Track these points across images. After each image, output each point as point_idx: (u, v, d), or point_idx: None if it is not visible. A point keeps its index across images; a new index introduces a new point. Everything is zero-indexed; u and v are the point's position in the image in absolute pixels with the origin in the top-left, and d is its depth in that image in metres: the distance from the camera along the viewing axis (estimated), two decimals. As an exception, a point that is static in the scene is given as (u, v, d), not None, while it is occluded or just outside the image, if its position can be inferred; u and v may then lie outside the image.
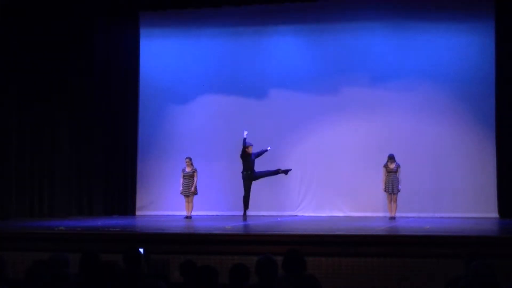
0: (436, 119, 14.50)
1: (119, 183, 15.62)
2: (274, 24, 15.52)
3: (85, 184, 15.27)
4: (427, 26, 14.64)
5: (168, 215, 14.86)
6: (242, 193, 12.92)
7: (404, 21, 14.81)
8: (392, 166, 13.35)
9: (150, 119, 15.86)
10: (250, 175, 12.80)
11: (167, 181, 15.43)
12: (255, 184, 12.99)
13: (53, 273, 5.23)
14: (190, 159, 14.04)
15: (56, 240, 9.71)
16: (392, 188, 13.29)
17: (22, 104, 14.19)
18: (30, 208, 14.27)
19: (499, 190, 13.88)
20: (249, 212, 13.03)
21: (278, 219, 13.62)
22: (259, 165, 13.10)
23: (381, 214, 14.16)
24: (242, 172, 12.88)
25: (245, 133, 12.90)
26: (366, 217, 13.75)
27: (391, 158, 13.39)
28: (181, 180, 13.99)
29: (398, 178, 13.31)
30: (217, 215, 14.52)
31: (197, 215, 14.09)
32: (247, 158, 12.83)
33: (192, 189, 13.89)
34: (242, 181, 12.92)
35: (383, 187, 13.42)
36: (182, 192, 13.97)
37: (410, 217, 13.60)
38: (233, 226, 11.32)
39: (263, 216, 14.21)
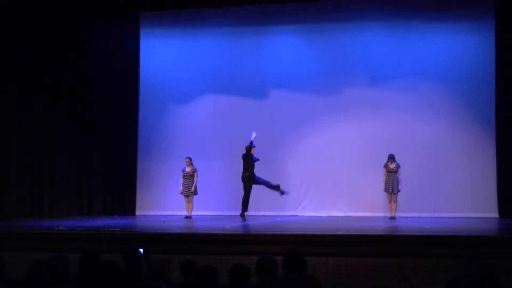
0: (436, 119, 14.51)
1: (119, 183, 15.62)
2: (274, 24, 15.52)
3: (85, 184, 15.28)
4: (427, 26, 14.64)
5: (168, 215, 14.86)
6: (242, 193, 12.92)
7: (404, 21, 14.81)
8: (392, 166, 13.35)
9: (150, 119, 15.87)
10: (250, 177, 12.78)
11: (167, 181, 15.43)
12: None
13: (53, 273, 5.23)
14: (190, 159, 14.05)
15: (56, 240, 9.72)
16: (392, 188, 13.29)
17: (22, 104, 14.18)
18: (30, 208, 14.26)
19: (499, 190, 13.88)
20: (249, 212, 13.03)
21: (278, 219, 13.62)
22: (260, 165, 13.09)
23: (381, 214, 14.16)
24: (243, 173, 12.86)
25: (254, 134, 12.91)
26: (366, 217, 13.75)
27: (391, 158, 13.39)
28: (181, 180, 13.99)
29: (398, 178, 13.31)
30: (217, 215, 14.51)
31: (197, 215, 14.09)
32: (249, 159, 12.83)
33: (192, 189, 13.89)
34: (242, 181, 12.91)
35: (383, 187, 13.42)
36: (182, 192, 13.97)
37: (410, 217, 13.60)
38: (233, 226, 11.32)
39: (263, 216, 14.21)
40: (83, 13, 15.01)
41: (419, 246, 8.61)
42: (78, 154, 15.16)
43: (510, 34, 13.84)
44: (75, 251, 6.74)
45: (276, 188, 13.04)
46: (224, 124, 15.50)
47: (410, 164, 13.90)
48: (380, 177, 13.59)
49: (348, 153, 14.83)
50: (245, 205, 12.87)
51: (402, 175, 13.39)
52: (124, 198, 15.59)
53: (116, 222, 12.57)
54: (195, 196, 13.98)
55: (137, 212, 15.52)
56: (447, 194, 14.31)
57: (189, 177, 13.95)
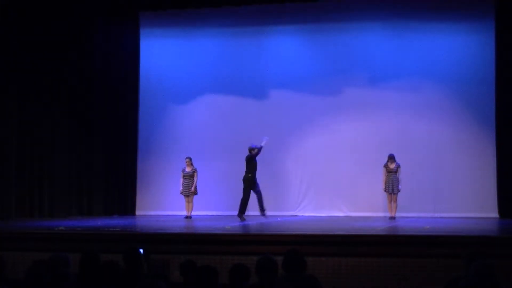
0: (436, 119, 14.51)
1: (119, 183, 15.63)
2: (274, 24, 15.52)
3: (85, 184, 15.28)
4: (427, 26, 14.64)
5: (168, 215, 14.86)
6: (242, 193, 12.93)
7: (404, 21, 14.81)
8: (392, 166, 13.35)
9: (150, 119, 15.87)
10: (252, 179, 12.78)
11: (167, 181, 15.43)
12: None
13: (53, 273, 5.23)
14: (190, 159, 14.05)
15: (56, 240, 9.71)
16: (392, 188, 13.29)
17: (22, 104, 14.18)
18: (30, 208, 14.26)
19: (499, 190, 13.88)
20: (249, 212, 13.03)
21: (278, 219, 13.61)
22: (260, 166, 13.09)
23: (381, 214, 14.16)
24: (248, 175, 12.82)
25: (265, 140, 12.92)
26: (366, 217, 13.75)
27: (391, 158, 13.39)
28: (181, 180, 14.00)
29: (398, 178, 13.31)
30: (217, 215, 14.51)
31: (197, 215, 14.09)
32: (253, 161, 12.85)
33: (192, 189, 13.89)
34: (243, 182, 12.91)
35: (383, 187, 13.42)
36: (182, 192, 13.97)
37: (410, 217, 13.60)
38: (233, 226, 11.32)
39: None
40: (83, 13, 15.01)
41: (419, 246, 8.60)
42: (78, 154, 15.16)
43: (510, 34, 13.84)
44: (75, 251, 6.74)
45: (262, 209, 12.96)
46: (224, 124, 15.51)
47: (410, 164, 13.90)
48: (380, 177, 13.60)
49: (348, 153, 14.83)
50: (243, 207, 12.87)
51: (402, 175, 13.39)
52: (124, 198, 15.59)
53: (116, 222, 12.57)
54: (195, 196, 13.98)
55: (137, 212, 15.52)
56: (447, 194, 14.31)
57: (189, 177, 13.95)
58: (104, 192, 15.43)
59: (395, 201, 13.37)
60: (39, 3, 14.27)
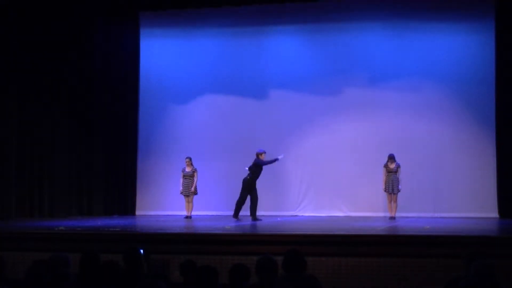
0: (436, 119, 14.50)
1: (119, 183, 15.62)
2: (274, 24, 15.52)
3: (85, 184, 15.28)
4: (427, 26, 14.64)
5: (168, 215, 14.86)
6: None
7: (404, 21, 14.80)
8: (392, 166, 13.35)
9: (150, 119, 15.87)
10: (252, 183, 12.84)
11: (167, 181, 15.43)
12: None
13: (53, 273, 5.23)
14: (190, 159, 14.05)
15: (56, 240, 9.71)
16: (392, 188, 13.30)
17: (22, 104, 14.18)
18: (30, 208, 14.26)
19: (499, 190, 13.88)
20: (249, 212, 13.04)
21: (278, 219, 13.62)
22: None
23: (381, 214, 14.16)
24: (253, 179, 12.85)
25: (282, 157, 13.09)
26: (366, 217, 13.75)
27: (391, 158, 13.40)
28: (181, 180, 14.00)
29: (398, 178, 13.31)
30: (217, 215, 14.51)
31: (197, 215, 14.10)
32: (261, 167, 12.92)
33: (192, 189, 13.90)
34: (242, 182, 12.92)
35: (383, 187, 13.43)
36: (182, 192, 13.98)
37: (410, 217, 13.60)
38: (233, 226, 11.32)
39: (263, 216, 14.19)
40: (83, 13, 15.01)
41: (419, 246, 8.60)
42: (78, 154, 15.17)
43: (510, 34, 13.84)
44: (75, 251, 6.74)
45: (253, 214, 12.94)
46: (224, 124, 15.51)
47: (410, 164, 13.90)
48: (380, 177, 13.60)
49: (348, 153, 14.83)
50: (239, 208, 12.92)
51: (402, 175, 13.39)
52: (124, 198, 15.59)
53: (116, 222, 12.57)
54: (195, 196, 13.99)
55: (137, 212, 15.52)
56: (447, 194, 14.31)
57: (189, 177, 13.96)
58: (104, 192, 15.43)
59: (395, 201, 13.37)
60: (39, 3, 14.27)
